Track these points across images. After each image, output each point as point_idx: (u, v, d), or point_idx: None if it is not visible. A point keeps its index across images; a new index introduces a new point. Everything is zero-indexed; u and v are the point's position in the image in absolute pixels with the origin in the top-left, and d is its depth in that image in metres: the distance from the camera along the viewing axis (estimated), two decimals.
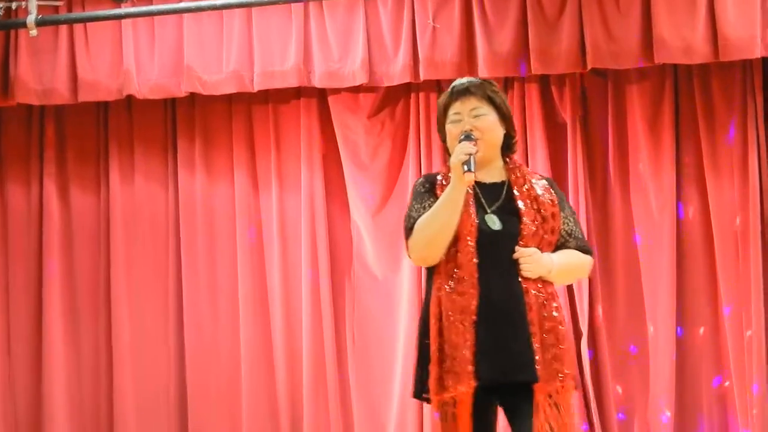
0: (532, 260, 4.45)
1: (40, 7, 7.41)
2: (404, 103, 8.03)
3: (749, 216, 7.66)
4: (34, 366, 8.11)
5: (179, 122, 8.24)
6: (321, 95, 8.03)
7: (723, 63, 7.48)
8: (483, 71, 7.48)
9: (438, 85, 7.89)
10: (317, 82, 7.79)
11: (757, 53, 7.27)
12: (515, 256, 4.44)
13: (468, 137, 4.41)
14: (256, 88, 7.82)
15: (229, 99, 8.05)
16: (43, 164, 8.30)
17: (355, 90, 7.92)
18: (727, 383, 7.69)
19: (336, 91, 7.95)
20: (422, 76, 7.68)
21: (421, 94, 7.95)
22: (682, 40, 7.32)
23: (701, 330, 7.79)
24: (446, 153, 4.67)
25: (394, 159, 8.08)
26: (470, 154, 4.29)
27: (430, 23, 7.55)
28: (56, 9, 7.62)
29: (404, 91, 7.94)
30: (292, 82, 7.78)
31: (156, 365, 8.24)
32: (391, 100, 8.01)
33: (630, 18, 7.42)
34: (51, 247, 8.25)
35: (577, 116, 7.89)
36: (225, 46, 7.79)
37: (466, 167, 4.27)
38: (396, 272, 8.00)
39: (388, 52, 7.69)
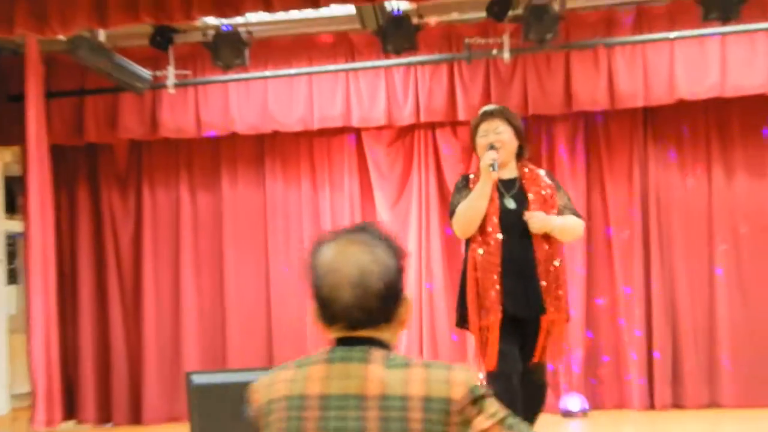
0: (537, 219, 4.45)
1: (176, 75, 7.50)
2: (410, 136, 8.03)
3: (634, 212, 7.71)
4: (174, 308, 8.23)
5: (266, 149, 8.24)
6: (357, 131, 8.04)
7: (618, 109, 7.47)
8: (462, 116, 7.58)
9: (432, 126, 7.96)
10: (355, 123, 7.80)
11: (640, 103, 7.34)
12: (525, 216, 4.45)
13: (492, 147, 4.47)
14: (315, 127, 7.83)
15: (298, 134, 8.02)
16: (179, 177, 8.33)
17: (379, 128, 7.94)
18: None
19: (367, 128, 7.97)
20: (422, 119, 7.72)
21: (422, 131, 7.95)
22: (589, 94, 7.34)
23: (604, 300, 7.80)
24: (477, 157, 4.68)
25: (404, 171, 8.09)
26: (494, 159, 4.39)
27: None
28: (186, 75, 7.64)
29: (410, 128, 7.94)
30: (338, 123, 7.80)
31: (254, 306, 8.21)
32: (402, 134, 8.03)
33: (556, 80, 7.41)
34: (185, 233, 8.28)
35: None
36: (294, 100, 7.76)
37: (491, 168, 4.38)
38: (403, 243, 7.93)
39: (400, 103, 7.69)
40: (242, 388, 3.65)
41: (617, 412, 7.47)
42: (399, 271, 2.05)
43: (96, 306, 8.28)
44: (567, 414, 7.34)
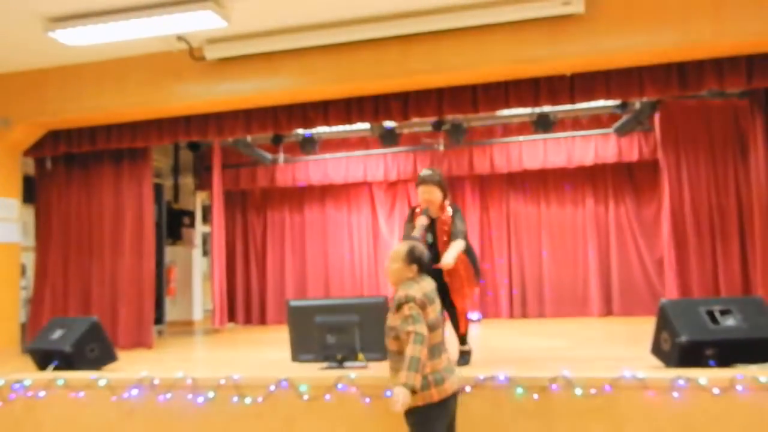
0: (446, 263, 3.57)
1: (283, 156, 7.57)
2: (395, 186, 7.88)
3: (503, 222, 7.59)
4: (281, 268, 8.10)
5: (326, 192, 8.01)
6: (370, 184, 7.91)
7: (495, 174, 7.40)
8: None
9: (406, 181, 7.72)
10: (369, 180, 7.70)
11: (505, 170, 7.29)
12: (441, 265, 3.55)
13: (426, 212, 3.75)
14: (350, 182, 7.71)
15: (341, 185, 7.85)
16: (284, 205, 8.15)
17: (380, 182, 7.83)
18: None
19: (374, 182, 7.85)
20: (401, 178, 7.61)
21: (400, 184, 7.81)
22: (481, 165, 7.27)
23: (489, 264, 7.50)
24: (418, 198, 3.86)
25: (392, 203, 7.92)
26: (423, 225, 3.67)
27: (436, 146, 7.22)
28: (287, 156, 7.61)
29: (395, 183, 7.81)
30: (361, 180, 7.69)
31: (319, 268, 7.90)
32: (391, 185, 7.88)
33: (464, 159, 7.28)
34: (286, 232, 8.10)
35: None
36: (339, 168, 7.66)
37: (419, 232, 3.63)
38: (392, 239, 7.80)
39: (389, 170, 7.59)
40: (314, 309, 3.80)
41: (495, 319, 7.34)
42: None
43: (243, 266, 8.13)
44: (471, 320, 7.16)
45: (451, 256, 3.64)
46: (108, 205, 6.02)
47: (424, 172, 3.88)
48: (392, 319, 2.57)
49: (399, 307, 2.54)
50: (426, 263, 2.70)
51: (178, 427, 3.55)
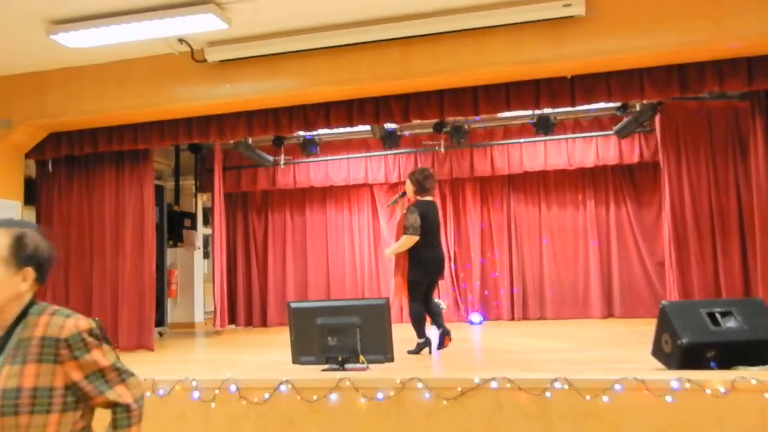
0: (387, 253, 4.56)
1: (284, 158, 7.58)
2: (397, 187, 7.50)
3: (503, 225, 7.54)
4: (281, 269, 8.08)
5: (327, 194, 7.98)
6: (371, 186, 7.86)
7: (495, 176, 7.38)
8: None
9: (403, 183, 7.66)
10: (370, 181, 7.69)
11: (506, 172, 7.29)
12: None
13: (401, 194, 4.72)
14: (351, 183, 7.70)
15: (343, 186, 7.82)
16: (285, 207, 8.10)
17: (381, 184, 7.80)
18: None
19: (375, 184, 7.81)
20: (402, 179, 7.36)
21: (403, 185, 6.81)
22: (481, 168, 7.28)
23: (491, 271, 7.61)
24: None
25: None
26: (393, 199, 4.73)
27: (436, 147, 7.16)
28: (289, 158, 7.56)
29: (396, 184, 7.64)
30: (362, 182, 7.68)
31: (320, 269, 7.89)
32: (392, 187, 7.74)
33: (465, 161, 7.27)
34: (288, 234, 8.04)
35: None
36: (341, 170, 7.65)
37: (392, 202, 4.74)
38: (393, 240, 7.45)
39: (391, 171, 7.59)
40: (315, 310, 3.79)
41: (496, 321, 7.31)
42: None
43: (244, 268, 8.07)
44: (472, 323, 7.14)
45: (389, 249, 4.49)
46: (109, 207, 6.04)
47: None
48: (54, 375, 1.32)
49: (84, 347, 1.35)
50: (49, 266, 1.40)
51: (179, 429, 3.53)
